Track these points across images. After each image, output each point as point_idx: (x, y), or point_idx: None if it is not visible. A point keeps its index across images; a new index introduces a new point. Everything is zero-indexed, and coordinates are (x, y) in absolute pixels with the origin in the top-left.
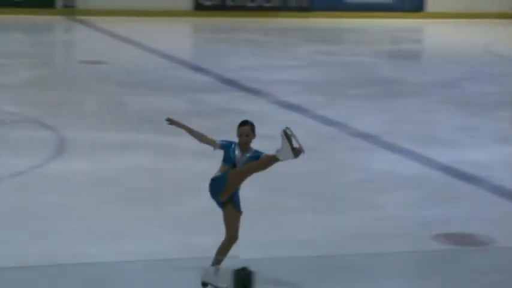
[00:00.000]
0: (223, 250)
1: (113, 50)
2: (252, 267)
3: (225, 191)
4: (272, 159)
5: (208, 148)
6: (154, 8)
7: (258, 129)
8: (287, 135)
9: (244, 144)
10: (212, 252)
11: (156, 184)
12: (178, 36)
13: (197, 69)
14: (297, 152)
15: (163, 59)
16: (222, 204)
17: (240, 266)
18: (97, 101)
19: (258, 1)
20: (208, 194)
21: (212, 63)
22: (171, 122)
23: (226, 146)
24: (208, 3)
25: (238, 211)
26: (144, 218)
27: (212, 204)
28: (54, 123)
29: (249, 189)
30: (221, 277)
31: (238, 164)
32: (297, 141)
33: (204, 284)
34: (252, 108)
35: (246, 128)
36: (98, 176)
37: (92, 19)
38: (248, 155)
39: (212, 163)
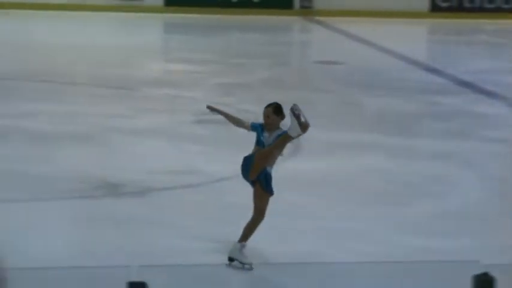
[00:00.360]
0: (250, 227)
1: (348, 51)
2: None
3: (252, 171)
4: (285, 138)
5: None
6: (390, 9)
7: (493, 133)
8: (294, 113)
9: (266, 125)
10: (459, 257)
11: (389, 185)
12: (414, 37)
13: (432, 70)
14: (304, 126)
15: (399, 60)
16: (252, 183)
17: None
18: (332, 101)
19: (497, 2)
20: None
21: (448, 64)
22: (210, 109)
23: (256, 128)
24: (445, 4)
25: (267, 192)
26: (379, 218)
27: (444, 206)
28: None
29: None
30: (246, 253)
31: (266, 144)
32: (304, 117)
33: (231, 259)
34: (488, 111)
35: (267, 110)
36: (334, 176)
37: (329, 20)
38: (274, 135)
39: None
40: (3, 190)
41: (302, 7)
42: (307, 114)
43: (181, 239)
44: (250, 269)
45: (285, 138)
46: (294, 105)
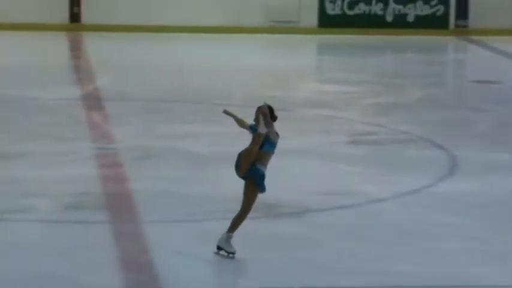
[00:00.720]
0: (237, 221)
1: (505, 70)
2: None
3: (241, 167)
4: (258, 136)
5: None
6: None
7: None
8: (263, 113)
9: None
10: None
11: None
12: None
13: None
14: (268, 125)
15: None
16: (243, 178)
17: None
18: (488, 121)
19: None
20: None
21: None
22: (226, 113)
23: (254, 128)
24: None
25: (258, 188)
26: None
27: None
28: (446, 142)
29: None
30: (232, 243)
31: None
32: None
33: (219, 248)
34: None
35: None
36: (489, 197)
37: (484, 39)
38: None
39: None
40: (163, 211)
41: (457, 26)
42: (463, 134)
43: (337, 261)
44: (233, 258)
45: (258, 136)
46: (263, 105)
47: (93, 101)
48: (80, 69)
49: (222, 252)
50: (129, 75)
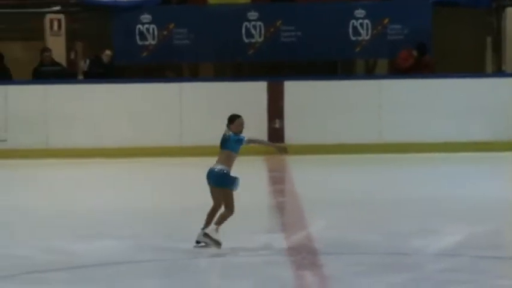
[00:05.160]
0: (221, 220)
1: None
2: None
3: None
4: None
5: None
6: None
7: None
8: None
9: (240, 132)
10: None
11: None
12: None
13: None
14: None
15: None
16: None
17: None
18: None
19: None
20: None
21: None
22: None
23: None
24: None
25: (228, 189)
26: None
27: None
28: None
29: None
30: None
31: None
32: None
33: (206, 235)
34: None
35: (242, 120)
36: None
37: None
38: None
39: None
40: None
41: None
42: None
43: None
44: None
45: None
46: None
47: (305, 257)
48: (284, 209)
49: (208, 241)
50: (353, 216)
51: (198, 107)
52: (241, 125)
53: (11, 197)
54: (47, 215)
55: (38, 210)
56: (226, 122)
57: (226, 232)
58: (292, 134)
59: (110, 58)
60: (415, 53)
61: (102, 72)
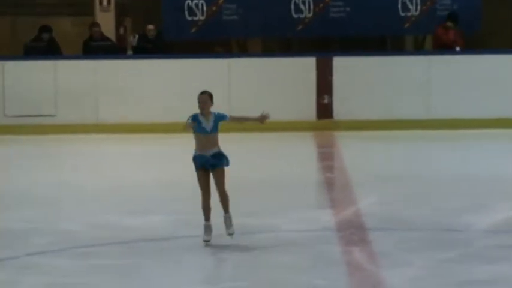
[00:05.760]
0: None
1: None
2: None
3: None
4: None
5: None
6: None
7: None
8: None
9: (203, 110)
10: None
11: None
12: None
13: None
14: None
15: None
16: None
17: None
18: None
19: None
20: None
21: None
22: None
23: (196, 119)
24: None
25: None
26: None
27: None
28: None
29: None
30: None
31: (208, 128)
32: None
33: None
34: None
35: (204, 97)
36: None
37: None
38: (211, 118)
39: None
40: None
41: None
42: None
43: None
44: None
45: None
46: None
47: (354, 233)
48: (333, 185)
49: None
50: (403, 192)
51: (247, 82)
52: (199, 103)
53: (60, 172)
54: (96, 191)
55: (86, 186)
56: (274, 97)
57: (274, 208)
58: (341, 109)
59: (154, 32)
60: (450, 24)
61: (150, 48)
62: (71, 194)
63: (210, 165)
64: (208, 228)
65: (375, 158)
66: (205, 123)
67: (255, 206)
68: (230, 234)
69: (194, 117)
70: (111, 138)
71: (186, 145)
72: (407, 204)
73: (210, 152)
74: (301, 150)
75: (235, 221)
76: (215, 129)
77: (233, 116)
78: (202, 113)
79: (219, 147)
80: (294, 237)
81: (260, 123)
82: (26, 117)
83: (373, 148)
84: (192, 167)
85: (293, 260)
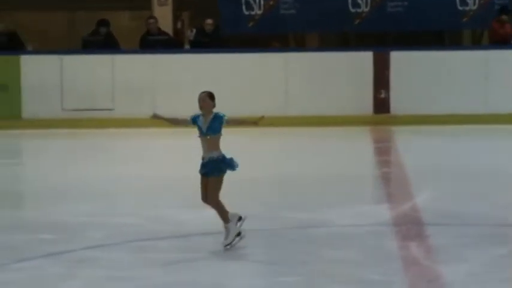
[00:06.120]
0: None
1: None
2: None
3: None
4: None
5: None
6: None
7: None
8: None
9: (202, 109)
10: None
11: None
12: None
13: None
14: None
15: None
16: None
17: None
18: None
19: None
20: None
21: None
22: (156, 117)
23: (195, 119)
24: None
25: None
26: None
27: None
28: None
29: None
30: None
31: (203, 129)
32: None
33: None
34: None
35: (203, 95)
36: None
37: None
38: (209, 118)
39: None
40: None
41: None
42: None
43: None
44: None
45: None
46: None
47: (410, 228)
48: (390, 180)
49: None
50: (460, 187)
51: (304, 77)
52: (199, 101)
53: (116, 166)
54: (152, 184)
55: (142, 180)
56: (331, 92)
57: (331, 203)
58: (398, 104)
59: (211, 27)
60: (504, 17)
61: (207, 42)
62: (127, 187)
63: (203, 172)
64: (226, 230)
65: (432, 153)
66: (203, 124)
67: (312, 201)
68: (224, 246)
69: (195, 117)
70: (167, 133)
71: (240, 139)
72: (464, 199)
73: (206, 157)
74: (358, 145)
75: (292, 215)
76: (210, 130)
77: (230, 118)
78: (202, 113)
79: (218, 152)
80: (350, 231)
81: (256, 125)
82: (83, 111)
83: (430, 143)
84: (250, 161)
85: (348, 254)
